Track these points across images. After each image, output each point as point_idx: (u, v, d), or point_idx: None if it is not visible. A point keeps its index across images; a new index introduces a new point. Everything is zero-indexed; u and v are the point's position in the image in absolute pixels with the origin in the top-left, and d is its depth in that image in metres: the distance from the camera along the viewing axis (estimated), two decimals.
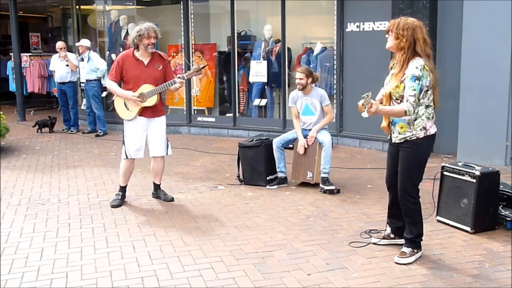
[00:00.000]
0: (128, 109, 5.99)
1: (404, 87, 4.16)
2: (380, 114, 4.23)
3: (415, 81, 4.10)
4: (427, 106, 4.24)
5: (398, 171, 4.43)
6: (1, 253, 4.75)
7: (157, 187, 6.38)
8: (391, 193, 4.67)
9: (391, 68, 4.41)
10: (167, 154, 6.22)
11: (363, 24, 8.86)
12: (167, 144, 6.19)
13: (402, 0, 8.18)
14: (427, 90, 4.19)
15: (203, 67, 6.12)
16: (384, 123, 4.47)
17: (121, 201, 6.16)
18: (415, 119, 4.24)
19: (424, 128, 4.25)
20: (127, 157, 6.09)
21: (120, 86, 6.06)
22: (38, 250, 4.81)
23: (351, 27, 9.02)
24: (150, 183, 6.61)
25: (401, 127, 4.30)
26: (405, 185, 4.40)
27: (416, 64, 4.12)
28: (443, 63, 8.32)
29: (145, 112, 5.96)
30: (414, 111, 4.15)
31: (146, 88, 5.87)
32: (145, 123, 6.00)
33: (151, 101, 5.89)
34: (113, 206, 6.06)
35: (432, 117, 4.30)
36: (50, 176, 7.59)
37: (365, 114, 4.03)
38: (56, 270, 4.40)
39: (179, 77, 5.89)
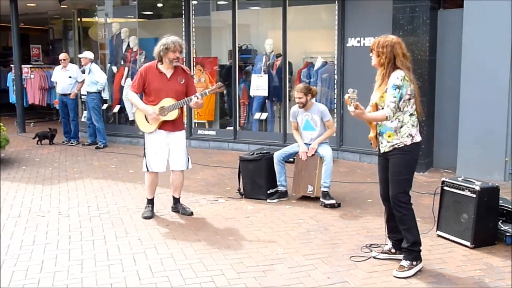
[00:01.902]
0: (148, 122, 5.99)
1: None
2: (363, 119, 4.42)
3: (395, 89, 4.31)
4: (411, 115, 4.43)
5: (389, 179, 4.51)
6: (1, 265, 4.75)
7: (176, 201, 6.37)
8: (387, 206, 4.71)
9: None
10: (187, 168, 6.21)
11: (364, 39, 8.92)
12: (188, 158, 6.20)
13: (403, 15, 8.25)
14: (410, 99, 4.38)
15: (223, 85, 6.17)
16: (372, 134, 4.62)
17: (152, 212, 6.19)
18: (401, 127, 4.40)
19: (410, 135, 4.41)
20: (147, 170, 6.10)
21: (141, 97, 6.09)
22: (38, 263, 4.81)
23: (351, 42, 9.09)
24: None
25: (389, 136, 4.45)
26: (396, 191, 4.47)
27: (397, 75, 4.33)
28: (443, 78, 8.39)
29: (165, 125, 5.96)
30: (393, 116, 4.34)
31: (167, 102, 5.87)
32: (165, 136, 6.00)
33: (172, 115, 5.89)
34: (145, 218, 6.08)
35: (416, 125, 4.47)
36: (50, 188, 7.59)
37: (351, 108, 4.21)
38: (57, 283, 4.40)
39: (201, 94, 5.87)
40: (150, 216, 6.12)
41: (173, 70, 5.95)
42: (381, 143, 4.53)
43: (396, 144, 4.43)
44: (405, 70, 4.35)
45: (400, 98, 4.31)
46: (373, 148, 4.74)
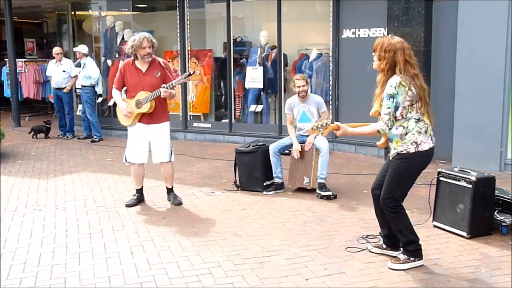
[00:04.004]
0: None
1: None
2: (351, 135, 4.37)
3: (389, 99, 4.16)
4: (417, 120, 4.24)
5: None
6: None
7: (168, 190, 6.50)
8: (374, 201, 4.66)
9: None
10: (170, 160, 6.30)
11: (359, 31, 8.92)
12: (171, 150, 6.30)
13: (398, 6, 8.23)
14: (412, 104, 4.19)
15: (190, 74, 6.20)
16: (380, 141, 4.51)
17: (136, 201, 6.36)
18: (406, 133, 4.25)
19: (415, 142, 4.23)
20: (126, 161, 6.29)
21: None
22: (35, 256, 4.81)
23: (346, 33, 9.08)
24: (147, 188, 6.66)
25: (396, 142, 4.32)
26: (385, 194, 4.40)
27: (391, 83, 4.17)
28: (438, 70, 8.39)
29: (143, 118, 6.14)
30: (389, 128, 4.21)
31: (142, 95, 6.05)
32: (144, 129, 6.16)
33: (145, 108, 6.05)
34: (127, 206, 6.27)
35: (425, 131, 4.25)
36: (46, 182, 7.58)
37: (319, 137, 4.17)
38: (54, 276, 4.40)
39: (168, 85, 5.95)
40: (132, 204, 6.29)
41: (148, 64, 6.11)
42: (391, 150, 4.40)
43: (400, 151, 4.28)
44: (403, 75, 4.16)
45: (396, 108, 4.15)
46: (373, 140, 4.65)
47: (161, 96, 5.97)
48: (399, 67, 4.19)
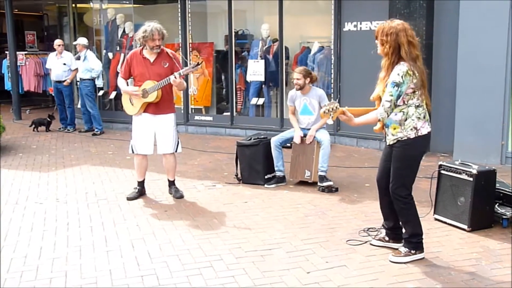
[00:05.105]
0: (132, 104, 6.19)
1: None
2: (354, 125, 4.37)
3: (394, 87, 4.15)
4: (417, 106, 4.27)
5: (390, 171, 4.46)
6: (0, 252, 4.75)
7: (170, 183, 6.49)
8: (380, 192, 4.67)
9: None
10: (175, 151, 6.30)
11: (361, 24, 8.89)
12: (177, 141, 6.30)
13: (399, 0, 8.20)
14: (414, 92, 4.22)
15: (198, 64, 6.17)
16: (377, 126, 4.48)
17: (137, 194, 6.36)
18: (406, 119, 4.27)
19: (415, 128, 4.26)
20: (133, 152, 6.29)
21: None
22: (36, 249, 4.81)
23: (348, 26, 9.05)
24: (148, 182, 6.65)
25: (394, 128, 4.33)
26: (395, 184, 4.41)
27: (398, 70, 4.16)
28: (440, 63, 8.37)
29: (149, 108, 6.13)
30: (388, 115, 4.23)
31: (148, 84, 6.03)
32: (150, 119, 6.15)
33: (152, 97, 6.03)
34: (128, 199, 6.28)
35: (424, 117, 4.30)
36: (48, 175, 7.59)
37: (330, 121, 4.14)
38: (55, 269, 4.40)
39: (178, 73, 5.93)
40: (133, 197, 6.28)
41: (156, 55, 6.11)
42: (387, 135, 4.42)
43: (399, 137, 4.30)
44: (409, 61, 4.15)
45: (399, 96, 4.16)
46: (375, 133, 4.65)
47: (171, 82, 5.92)
48: (404, 49, 4.16)
